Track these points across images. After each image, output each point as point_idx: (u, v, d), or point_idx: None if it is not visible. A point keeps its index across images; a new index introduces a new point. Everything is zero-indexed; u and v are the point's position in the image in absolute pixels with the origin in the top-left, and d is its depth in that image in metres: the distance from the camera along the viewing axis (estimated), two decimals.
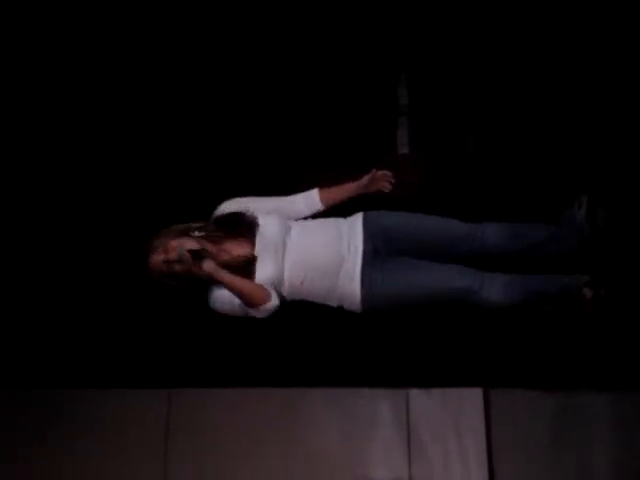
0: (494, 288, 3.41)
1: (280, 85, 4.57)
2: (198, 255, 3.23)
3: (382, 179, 3.55)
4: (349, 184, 3.57)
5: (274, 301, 3.27)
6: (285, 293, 3.38)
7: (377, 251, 3.42)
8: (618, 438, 3.82)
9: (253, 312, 3.28)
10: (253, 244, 3.34)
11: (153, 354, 4.13)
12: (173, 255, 3.24)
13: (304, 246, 3.36)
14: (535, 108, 4.34)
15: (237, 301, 3.27)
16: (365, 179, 3.54)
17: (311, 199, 3.54)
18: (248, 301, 3.23)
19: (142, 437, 3.98)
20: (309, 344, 4.02)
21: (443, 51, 4.50)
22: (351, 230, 3.44)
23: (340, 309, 3.49)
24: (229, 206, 3.46)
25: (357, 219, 3.49)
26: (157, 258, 3.27)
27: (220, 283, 3.25)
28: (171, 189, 4.42)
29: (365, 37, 4.54)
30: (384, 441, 3.91)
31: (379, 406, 3.97)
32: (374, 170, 3.54)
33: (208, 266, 3.24)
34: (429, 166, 4.36)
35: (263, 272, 3.30)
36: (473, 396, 3.95)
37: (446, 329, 3.98)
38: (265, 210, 3.44)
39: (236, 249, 3.33)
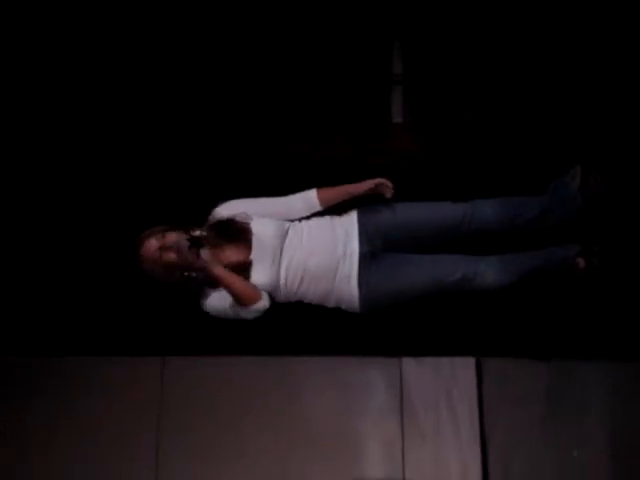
0: (489, 273, 3.42)
1: (274, 54, 4.54)
2: (197, 242, 3.21)
3: (384, 188, 3.50)
4: (348, 186, 3.50)
5: (264, 302, 3.27)
6: (281, 297, 3.38)
7: (373, 253, 3.42)
8: (611, 407, 3.85)
9: (243, 313, 3.28)
10: (250, 250, 3.33)
11: (146, 321, 4.12)
12: (170, 241, 3.22)
13: (300, 251, 3.35)
14: (529, 76, 4.33)
15: (228, 304, 3.27)
16: (366, 185, 3.48)
17: (309, 200, 3.49)
18: (238, 298, 3.23)
19: (135, 404, 3.99)
20: (303, 313, 4.01)
21: (437, 19, 4.48)
22: (347, 233, 3.41)
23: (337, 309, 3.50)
24: (225, 209, 3.42)
25: (352, 221, 3.46)
26: (152, 244, 3.23)
27: (215, 279, 3.24)
28: (168, 181, 4.38)
29: (359, 5, 4.51)
30: (377, 409, 3.94)
31: (372, 374, 3.99)
32: (377, 180, 3.48)
33: (206, 254, 3.23)
34: (423, 135, 4.35)
35: (258, 277, 3.29)
36: (466, 365, 3.97)
37: (440, 299, 3.98)
38: (261, 213, 3.41)
39: (233, 255, 3.32)
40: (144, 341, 4.09)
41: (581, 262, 3.55)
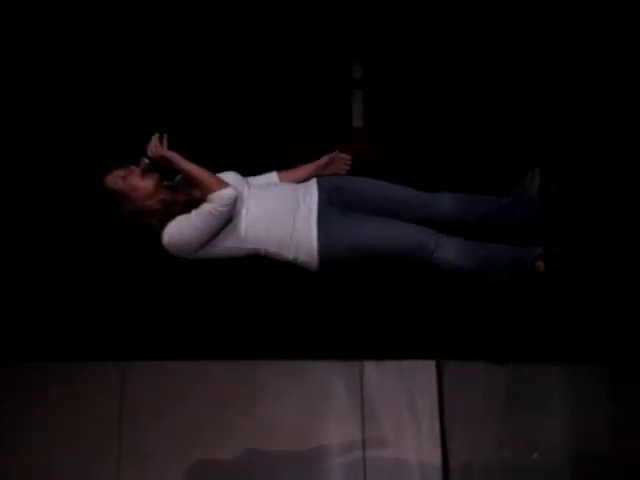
0: (450, 249, 3.42)
1: (234, 58, 4.55)
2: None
3: (340, 162, 3.56)
4: (307, 165, 3.58)
5: (232, 189, 3.24)
6: (243, 242, 3.36)
7: (332, 201, 3.43)
8: (568, 409, 3.89)
9: (211, 207, 3.22)
10: None
11: (107, 326, 4.09)
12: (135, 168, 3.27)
13: (260, 196, 3.37)
14: (486, 82, 4.37)
15: (193, 213, 3.25)
16: (324, 160, 3.55)
17: (270, 180, 3.56)
18: (205, 184, 3.22)
19: (96, 410, 3.97)
20: (265, 317, 4.03)
21: (397, 24, 4.51)
22: (306, 187, 3.46)
23: (296, 267, 3.47)
24: None
25: (312, 182, 3.51)
26: (118, 173, 3.27)
27: (181, 169, 3.26)
28: None
29: (321, 11, 4.53)
30: (338, 412, 3.96)
31: (334, 378, 4.01)
32: (336, 151, 3.54)
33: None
34: (383, 139, 4.38)
35: None
36: (426, 368, 4.00)
37: (400, 302, 4.01)
38: None
39: (196, 194, 3.33)
40: (106, 346, 4.07)
41: (541, 265, 3.58)
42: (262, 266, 3.91)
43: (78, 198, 4.28)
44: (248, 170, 3.73)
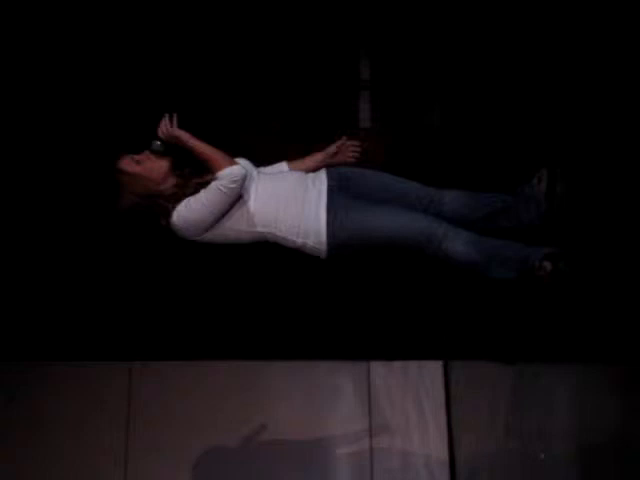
0: (457, 240, 3.41)
1: (241, 58, 4.56)
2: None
3: (349, 149, 3.60)
4: (317, 154, 3.62)
5: (240, 167, 3.26)
6: (251, 223, 3.36)
7: (342, 188, 3.45)
8: (575, 409, 3.90)
9: (219, 184, 3.24)
10: None
11: (113, 328, 4.10)
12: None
13: (270, 180, 3.39)
14: (495, 82, 4.37)
15: (202, 192, 3.26)
16: (333, 147, 3.59)
17: (280, 169, 3.59)
18: (213, 163, 3.25)
19: (103, 410, 3.98)
20: (271, 317, 4.03)
21: (404, 25, 4.51)
22: (316, 175, 3.49)
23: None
24: None
25: (321, 171, 3.53)
26: (130, 156, 3.32)
27: (189, 147, 3.28)
28: None
29: (327, 11, 4.53)
30: (346, 413, 3.96)
31: (341, 378, 4.01)
32: (343, 138, 3.58)
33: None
34: (390, 140, 4.38)
35: None
36: (433, 368, 4.00)
37: (408, 303, 4.01)
38: None
39: (208, 176, 3.35)
40: (114, 347, 4.08)
41: (548, 266, 3.57)
42: (268, 269, 3.96)
43: (82, 195, 4.28)
44: None
